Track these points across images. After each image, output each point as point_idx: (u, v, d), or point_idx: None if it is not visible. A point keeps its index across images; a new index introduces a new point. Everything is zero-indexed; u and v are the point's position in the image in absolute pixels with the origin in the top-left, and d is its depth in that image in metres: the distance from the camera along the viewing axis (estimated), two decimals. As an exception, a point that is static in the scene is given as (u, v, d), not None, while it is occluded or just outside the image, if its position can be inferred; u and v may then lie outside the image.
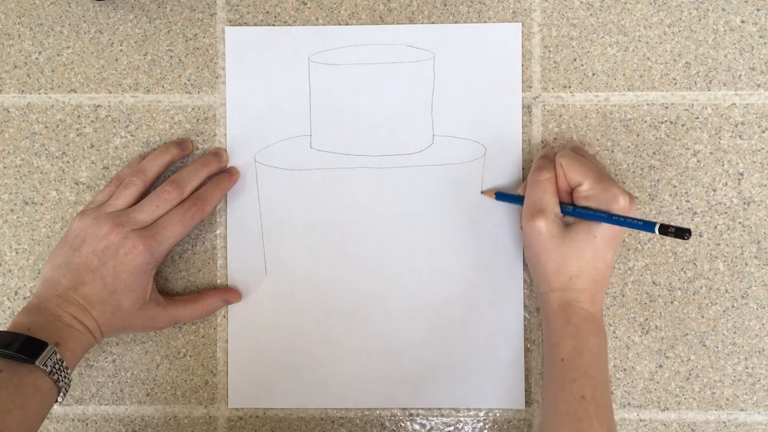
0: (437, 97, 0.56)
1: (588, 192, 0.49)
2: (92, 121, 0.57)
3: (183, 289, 0.57)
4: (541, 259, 0.50)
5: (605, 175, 0.51)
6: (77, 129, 0.57)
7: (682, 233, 0.46)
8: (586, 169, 0.50)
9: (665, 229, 0.46)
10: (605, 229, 0.49)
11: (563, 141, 0.56)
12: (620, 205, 0.48)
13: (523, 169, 0.56)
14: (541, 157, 0.53)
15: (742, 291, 0.56)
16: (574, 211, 0.50)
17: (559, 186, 0.51)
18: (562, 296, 0.49)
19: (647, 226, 0.47)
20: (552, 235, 0.49)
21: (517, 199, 0.54)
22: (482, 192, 0.55)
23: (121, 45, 0.57)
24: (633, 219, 0.48)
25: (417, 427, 0.56)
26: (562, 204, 0.51)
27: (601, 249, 0.49)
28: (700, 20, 0.56)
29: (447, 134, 0.56)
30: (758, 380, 0.55)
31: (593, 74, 0.56)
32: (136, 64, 0.57)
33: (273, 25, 0.56)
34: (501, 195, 0.54)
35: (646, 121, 0.56)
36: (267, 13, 0.56)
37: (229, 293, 0.56)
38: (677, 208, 0.56)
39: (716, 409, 0.56)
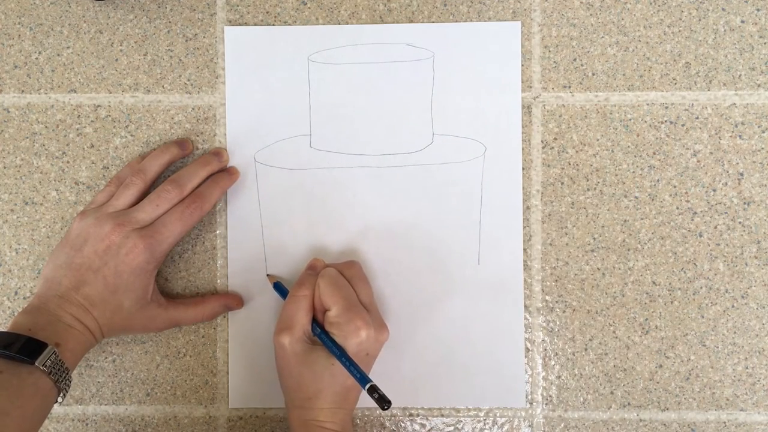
0: (437, 97, 0.56)
1: (333, 319, 0.49)
2: (92, 121, 0.57)
3: (183, 289, 0.57)
4: (283, 375, 0.51)
5: (356, 304, 0.50)
6: (77, 129, 0.57)
7: (382, 402, 0.47)
8: (337, 295, 0.50)
9: (372, 391, 0.47)
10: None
11: (563, 141, 0.56)
12: (360, 339, 0.49)
13: (522, 169, 0.56)
14: (308, 268, 0.54)
15: (742, 291, 0.55)
16: (319, 336, 0.50)
17: (315, 305, 0.51)
18: (302, 415, 0.50)
19: (362, 380, 0.48)
20: (294, 353, 0.49)
21: (285, 295, 0.53)
22: (267, 274, 0.56)
23: (121, 45, 0.57)
24: (355, 367, 0.48)
25: (417, 427, 0.56)
26: (315, 322, 0.51)
27: (338, 375, 0.49)
28: (700, 20, 0.56)
29: (447, 133, 0.56)
30: (758, 380, 0.55)
31: (593, 74, 0.56)
32: (136, 64, 0.57)
33: (273, 25, 0.56)
34: (278, 285, 0.54)
35: (646, 121, 0.56)
36: (267, 13, 0.56)
37: (230, 299, 0.55)
38: (677, 208, 0.56)
39: (716, 409, 0.56)
